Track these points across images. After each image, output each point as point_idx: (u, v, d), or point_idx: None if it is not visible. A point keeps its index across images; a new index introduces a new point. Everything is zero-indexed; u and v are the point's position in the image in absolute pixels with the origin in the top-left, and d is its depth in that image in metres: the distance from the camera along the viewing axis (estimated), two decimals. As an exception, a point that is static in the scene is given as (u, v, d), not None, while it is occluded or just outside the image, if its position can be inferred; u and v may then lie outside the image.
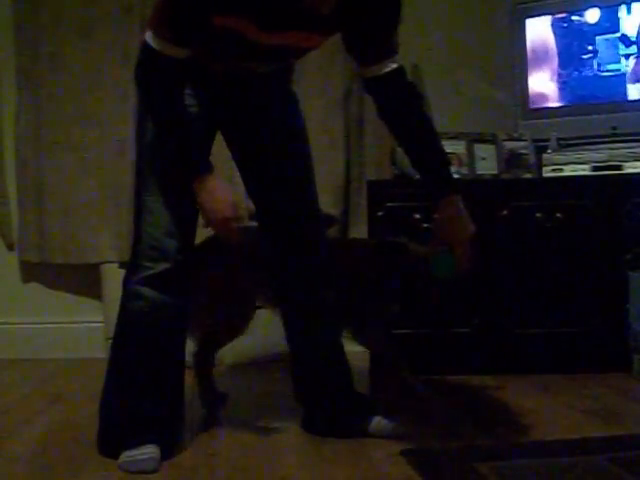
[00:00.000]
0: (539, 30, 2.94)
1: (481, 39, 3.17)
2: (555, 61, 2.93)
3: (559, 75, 2.94)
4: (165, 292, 1.78)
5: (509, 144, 2.91)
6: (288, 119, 1.96)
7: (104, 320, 3.02)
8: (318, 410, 1.98)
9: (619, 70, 2.84)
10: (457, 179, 2.36)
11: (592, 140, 2.82)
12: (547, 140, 2.86)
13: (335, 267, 1.99)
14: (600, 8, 2.84)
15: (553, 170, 2.80)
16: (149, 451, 1.71)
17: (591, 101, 2.89)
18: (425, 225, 2.48)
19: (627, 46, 2.81)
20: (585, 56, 2.88)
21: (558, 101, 2.96)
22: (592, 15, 2.85)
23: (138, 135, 1.85)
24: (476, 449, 1.81)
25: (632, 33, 2.80)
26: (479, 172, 2.87)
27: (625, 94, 2.84)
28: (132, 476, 1.67)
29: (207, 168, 1.69)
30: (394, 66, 1.79)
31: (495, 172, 2.88)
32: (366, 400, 2.03)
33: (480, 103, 3.14)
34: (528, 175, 2.87)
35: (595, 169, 2.74)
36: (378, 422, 1.91)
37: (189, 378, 1.97)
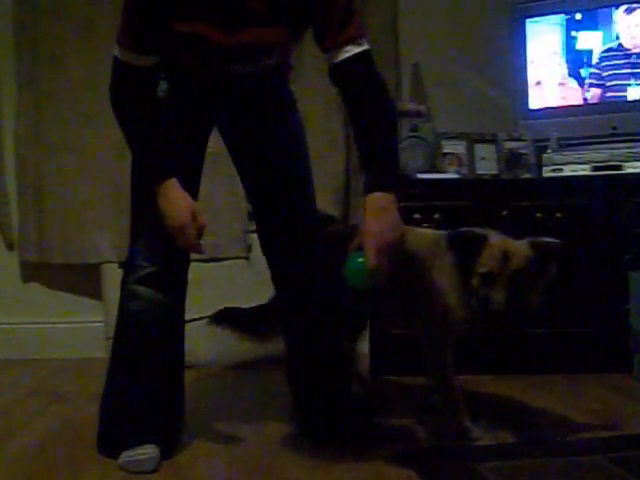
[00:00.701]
0: (539, 30, 2.93)
1: (481, 39, 3.17)
2: (555, 61, 2.93)
3: (559, 75, 2.93)
4: (162, 291, 1.79)
5: (509, 144, 2.91)
6: (284, 119, 1.94)
7: (104, 320, 3.01)
8: (317, 412, 1.96)
9: (619, 70, 2.84)
10: (402, 179, 2.22)
11: (592, 140, 2.82)
12: (547, 140, 2.87)
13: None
14: (600, 8, 2.84)
15: (553, 170, 2.80)
16: (149, 451, 1.72)
17: (591, 101, 2.89)
18: (425, 225, 2.47)
19: (627, 46, 2.81)
20: (585, 56, 2.87)
21: (558, 101, 2.96)
22: (592, 15, 2.85)
23: None
24: (476, 449, 1.81)
25: (632, 33, 2.80)
26: (479, 172, 2.87)
27: (625, 94, 2.84)
28: (132, 476, 1.68)
29: (166, 174, 1.70)
30: (356, 50, 1.67)
31: (495, 172, 2.88)
32: (366, 400, 2.03)
33: (480, 103, 3.14)
34: (528, 175, 2.87)
35: (595, 169, 2.74)
36: (378, 422, 1.90)
37: (189, 378, 1.97)
